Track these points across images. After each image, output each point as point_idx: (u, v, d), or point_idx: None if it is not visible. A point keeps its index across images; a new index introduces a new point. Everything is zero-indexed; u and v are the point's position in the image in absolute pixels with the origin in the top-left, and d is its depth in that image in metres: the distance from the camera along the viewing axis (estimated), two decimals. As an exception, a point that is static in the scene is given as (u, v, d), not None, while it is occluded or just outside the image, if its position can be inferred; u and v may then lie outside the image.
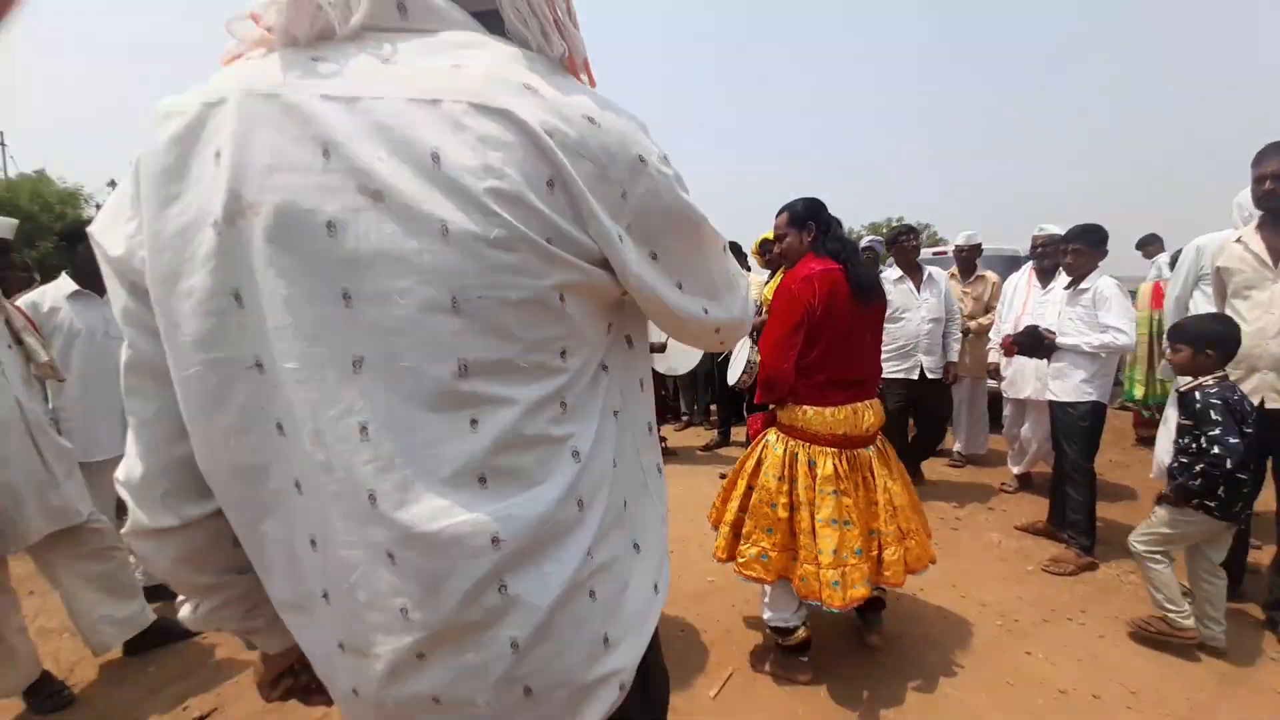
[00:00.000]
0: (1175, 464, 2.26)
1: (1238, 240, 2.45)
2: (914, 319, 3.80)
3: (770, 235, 2.60)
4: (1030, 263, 3.77)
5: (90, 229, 0.58)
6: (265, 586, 0.64)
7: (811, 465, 2.04)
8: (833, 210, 2.22)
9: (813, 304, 1.98)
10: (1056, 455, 3.24)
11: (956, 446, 4.72)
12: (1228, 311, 2.51)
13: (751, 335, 3.74)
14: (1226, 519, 2.15)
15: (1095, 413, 3.00)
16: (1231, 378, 2.41)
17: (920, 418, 4.04)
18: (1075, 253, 3.11)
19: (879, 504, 2.07)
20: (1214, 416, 2.12)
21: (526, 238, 0.51)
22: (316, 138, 0.50)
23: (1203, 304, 2.92)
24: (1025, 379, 3.63)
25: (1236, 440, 2.07)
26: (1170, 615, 2.26)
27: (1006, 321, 3.76)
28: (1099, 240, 3.11)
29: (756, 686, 2.18)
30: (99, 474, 2.56)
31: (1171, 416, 3.14)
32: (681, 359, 4.89)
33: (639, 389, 0.70)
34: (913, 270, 3.91)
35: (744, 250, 5.24)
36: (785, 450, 2.08)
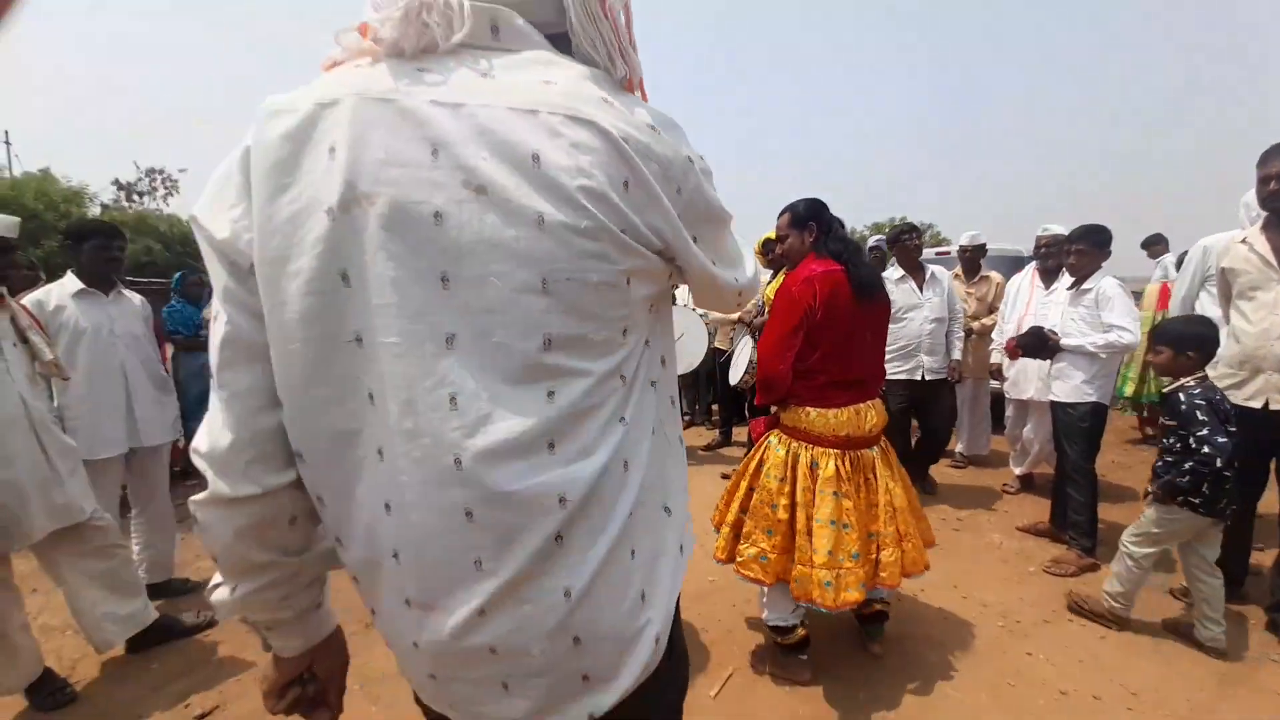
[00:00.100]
0: (1160, 462, 2.31)
1: (1243, 241, 2.44)
2: (916, 319, 3.76)
3: (773, 235, 2.60)
4: (1033, 263, 3.75)
5: (195, 213, 0.62)
6: (341, 549, 0.69)
7: (813, 466, 2.03)
8: (836, 210, 2.22)
9: (812, 305, 1.98)
10: (1058, 456, 3.24)
11: (959, 447, 4.71)
12: (1232, 313, 2.50)
13: (753, 335, 3.74)
14: (1211, 515, 2.20)
15: (1096, 413, 2.99)
16: (1236, 379, 2.41)
17: (923, 420, 3.98)
18: (1078, 253, 3.11)
19: (879, 505, 2.06)
20: (1200, 417, 2.17)
21: (607, 229, 0.59)
22: (427, 138, 0.56)
23: (1209, 304, 2.92)
24: (1028, 380, 3.62)
25: (1225, 440, 2.12)
26: (1116, 607, 2.42)
27: (1009, 322, 3.75)
28: (1103, 241, 3.11)
29: (757, 686, 2.18)
30: (103, 472, 2.57)
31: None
32: (683, 359, 4.89)
33: (665, 364, 0.77)
34: (915, 270, 3.86)
35: (746, 250, 5.24)
36: (787, 452, 2.08)
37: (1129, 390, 4.40)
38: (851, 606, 1.97)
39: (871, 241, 5.12)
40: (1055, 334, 3.09)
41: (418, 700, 0.82)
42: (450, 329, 0.58)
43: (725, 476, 2.40)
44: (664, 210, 0.63)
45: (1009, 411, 4.01)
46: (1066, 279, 3.28)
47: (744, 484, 2.16)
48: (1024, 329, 3.35)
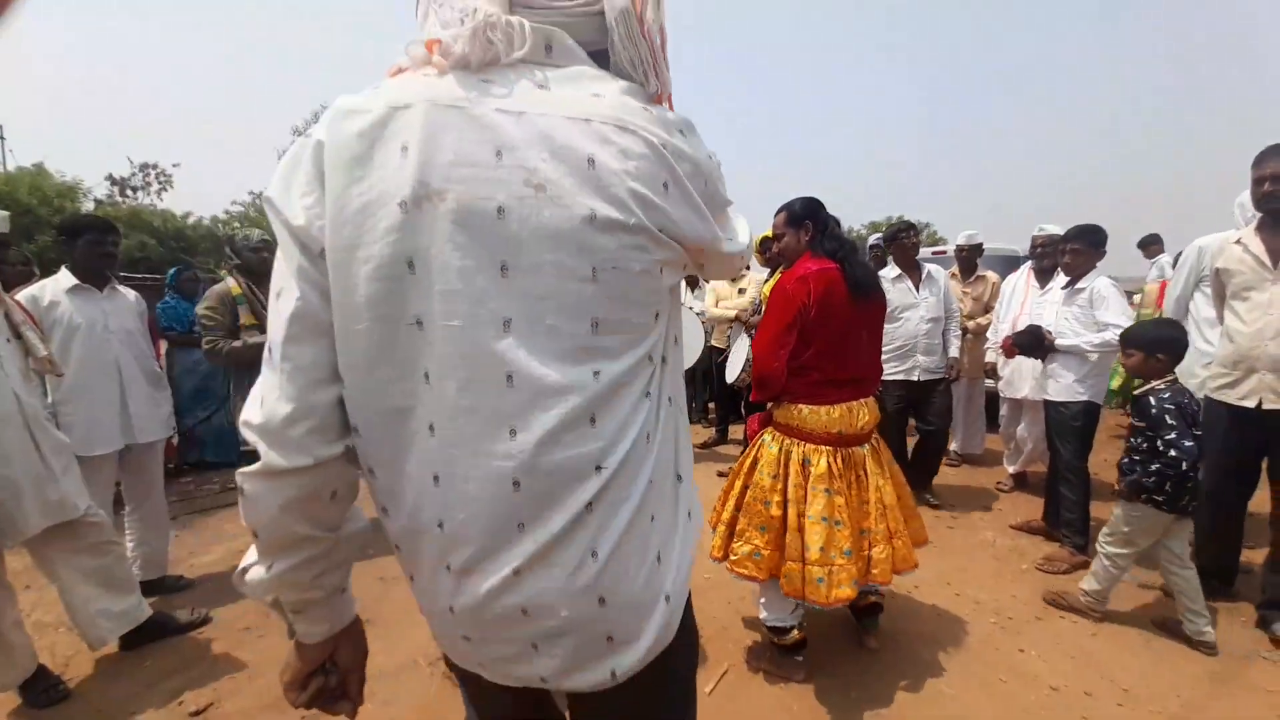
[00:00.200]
0: (1126, 459, 2.40)
1: (1237, 242, 2.46)
2: (912, 318, 3.69)
3: (769, 234, 2.60)
4: (1029, 263, 3.76)
5: (269, 195, 0.67)
6: (386, 518, 0.74)
7: (806, 463, 2.04)
8: (832, 209, 2.22)
9: (806, 303, 1.99)
10: (1051, 454, 3.26)
11: (953, 446, 4.72)
12: (1226, 313, 2.52)
13: (750, 334, 3.75)
14: (1174, 511, 2.29)
15: (1088, 412, 3.01)
16: (1229, 378, 2.43)
17: (920, 420, 3.86)
18: (1073, 252, 3.12)
19: (870, 502, 2.08)
20: (1169, 420, 2.24)
21: (647, 226, 0.66)
22: (492, 142, 0.63)
23: (1203, 305, 2.94)
24: (1022, 379, 3.64)
25: (1191, 444, 2.20)
26: (1091, 602, 2.50)
27: (1004, 321, 3.76)
28: (1098, 241, 3.12)
29: (751, 684, 2.19)
30: (97, 468, 2.56)
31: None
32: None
33: (676, 342, 0.84)
34: (911, 269, 3.78)
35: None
36: (780, 449, 2.09)
37: (1115, 384, 4.42)
38: (844, 603, 1.98)
39: (872, 240, 5.12)
40: (1051, 334, 3.11)
41: (446, 661, 0.84)
42: (508, 314, 0.64)
43: (721, 474, 2.40)
44: (695, 205, 0.71)
45: (1003, 410, 4.03)
46: (1061, 278, 3.29)
47: (739, 482, 2.17)
48: (1019, 328, 3.37)
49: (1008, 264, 4.97)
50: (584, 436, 0.67)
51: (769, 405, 2.20)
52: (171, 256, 15.49)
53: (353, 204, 0.63)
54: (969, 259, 4.49)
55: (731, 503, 2.16)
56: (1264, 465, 2.51)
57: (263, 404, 0.66)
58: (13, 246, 2.31)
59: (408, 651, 2.36)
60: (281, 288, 0.67)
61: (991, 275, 4.46)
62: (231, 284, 3.09)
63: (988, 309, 4.30)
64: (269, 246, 3.22)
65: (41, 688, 2.14)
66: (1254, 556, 2.78)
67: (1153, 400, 2.31)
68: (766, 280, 4.05)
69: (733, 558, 2.10)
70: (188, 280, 5.00)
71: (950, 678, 2.19)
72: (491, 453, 0.66)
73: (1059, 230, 3.45)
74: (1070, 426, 3.03)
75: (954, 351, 3.82)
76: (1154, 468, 2.25)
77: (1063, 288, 3.22)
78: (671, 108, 0.76)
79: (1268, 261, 2.33)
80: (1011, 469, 4.15)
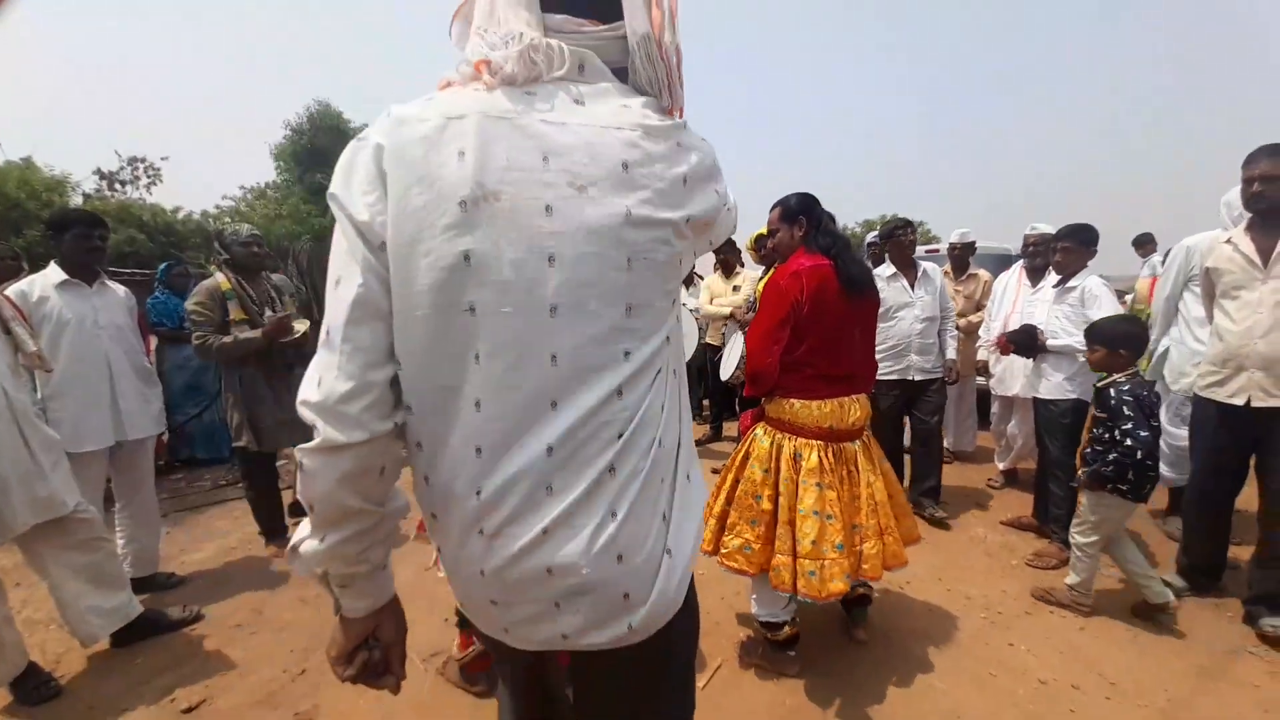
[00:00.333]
0: (1090, 451, 2.49)
1: (1227, 241, 2.47)
2: (907, 317, 3.59)
3: (765, 230, 2.60)
4: (1021, 261, 3.78)
5: (334, 192, 0.74)
6: (427, 487, 0.80)
7: (797, 458, 2.05)
8: (828, 206, 2.23)
9: (800, 299, 1.99)
10: (1040, 452, 3.28)
11: (946, 443, 4.74)
12: (1216, 312, 2.54)
13: (744, 331, 3.75)
14: (1139, 500, 2.40)
15: (1077, 410, 3.02)
16: (1218, 376, 2.45)
17: (914, 421, 3.74)
18: (1064, 250, 3.14)
19: (861, 498, 2.09)
20: (1127, 412, 2.33)
21: (673, 220, 0.77)
22: (539, 148, 0.72)
23: (1192, 304, 2.96)
24: (1014, 376, 3.65)
25: (1147, 433, 2.30)
26: (1077, 595, 2.56)
27: (996, 320, 3.77)
28: (1089, 239, 3.14)
29: (744, 679, 2.20)
30: (87, 465, 2.55)
31: (1162, 409, 3.19)
32: None
33: (679, 320, 0.90)
34: (907, 267, 3.68)
35: (738, 246, 5.23)
36: (772, 443, 2.10)
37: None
38: (837, 597, 1.99)
39: (869, 238, 5.12)
40: (1044, 333, 3.13)
41: (464, 623, 0.87)
42: (555, 300, 0.72)
43: (715, 471, 2.40)
44: (708, 194, 0.82)
45: (994, 408, 4.05)
46: (1053, 277, 3.31)
47: (730, 476, 2.18)
48: (1010, 326, 3.38)
49: (1000, 262, 4.99)
50: (612, 408, 0.75)
51: (761, 400, 2.20)
52: (161, 251, 15.32)
53: (414, 202, 0.70)
54: (961, 257, 4.51)
55: (722, 496, 2.17)
56: (1252, 463, 2.53)
57: (320, 383, 0.72)
58: (1, 241, 2.29)
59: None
60: (341, 275, 0.73)
61: (983, 273, 4.47)
62: (221, 279, 3.07)
63: (979, 307, 4.31)
64: (258, 241, 3.21)
65: (33, 685, 2.13)
66: (1241, 553, 2.81)
67: (1113, 392, 2.40)
68: (761, 277, 4.05)
69: (723, 551, 2.10)
70: (178, 275, 4.96)
71: (941, 672, 2.21)
72: (532, 425, 0.74)
73: (1051, 229, 3.47)
74: (1059, 424, 3.05)
75: (950, 354, 3.71)
76: (1111, 458, 2.35)
77: (1054, 286, 3.24)
78: (681, 116, 0.86)
79: (1258, 261, 2.35)
80: (1002, 466, 4.17)
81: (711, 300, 4.99)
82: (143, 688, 2.20)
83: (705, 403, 6.03)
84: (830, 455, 2.05)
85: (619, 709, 0.92)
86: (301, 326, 3.16)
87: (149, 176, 21.29)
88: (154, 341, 4.55)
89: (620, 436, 0.76)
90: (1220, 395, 2.45)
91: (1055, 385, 3.07)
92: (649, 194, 0.75)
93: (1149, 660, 2.26)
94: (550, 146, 0.72)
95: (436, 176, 0.70)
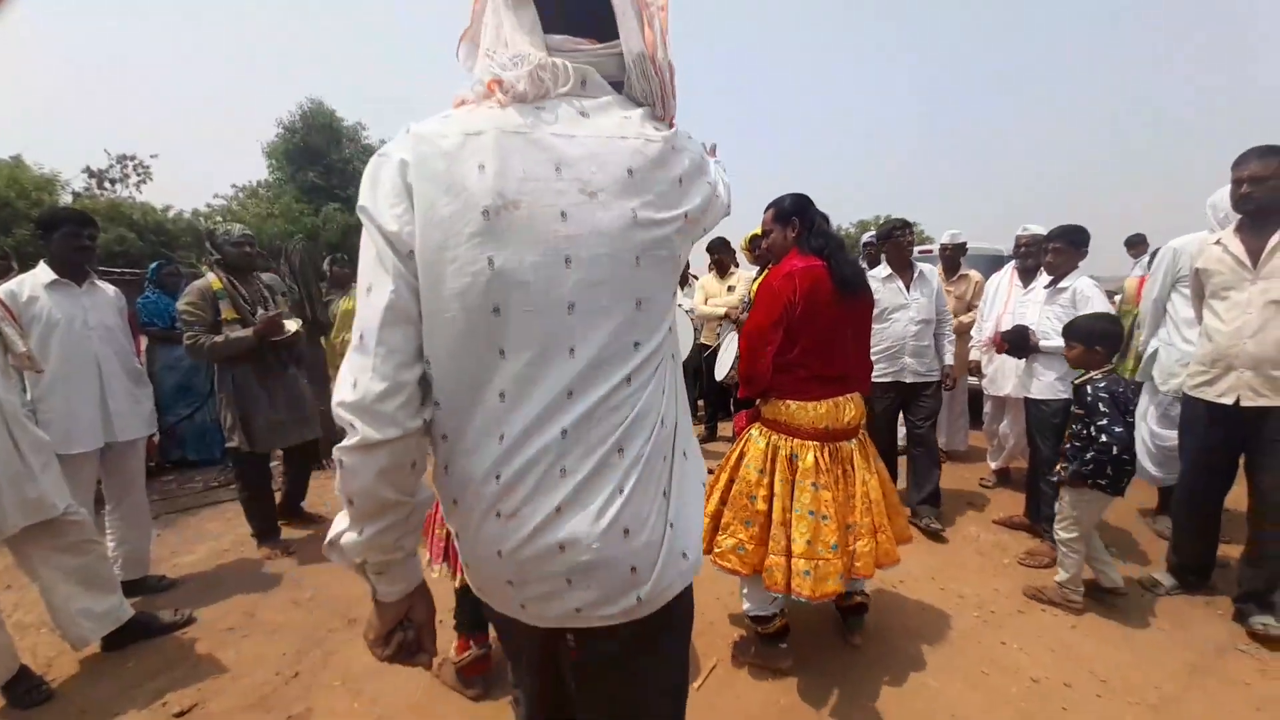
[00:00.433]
0: (1069, 446, 2.54)
1: (1217, 242, 2.49)
2: (901, 319, 3.52)
3: (759, 231, 2.60)
4: (1013, 262, 3.79)
5: (364, 205, 0.78)
6: (446, 475, 0.86)
7: (793, 458, 2.06)
8: (823, 207, 2.23)
9: (793, 300, 2.00)
10: (1031, 451, 3.30)
11: (939, 443, 4.76)
12: (1205, 312, 2.55)
13: (739, 330, 3.75)
14: (1117, 493, 2.45)
15: (1068, 410, 3.04)
16: (1208, 376, 2.48)
17: (909, 424, 3.68)
18: (1056, 251, 3.16)
19: (856, 496, 2.10)
20: (1102, 409, 2.39)
21: (675, 218, 0.85)
22: (552, 160, 0.78)
23: (1180, 305, 2.99)
24: (1005, 376, 3.65)
25: (1121, 429, 2.36)
26: (1068, 592, 2.60)
27: (988, 320, 3.77)
28: (1080, 240, 3.16)
29: (739, 678, 2.20)
30: (77, 466, 2.52)
31: (1151, 410, 3.22)
32: None
33: (676, 309, 0.98)
34: (904, 268, 3.59)
35: (733, 246, 5.24)
36: (767, 444, 2.10)
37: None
38: (831, 597, 2.00)
39: (865, 238, 5.11)
40: (1036, 334, 3.15)
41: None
42: (571, 298, 0.79)
43: (710, 472, 2.37)
44: (701, 187, 0.90)
45: (986, 408, 4.06)
46: (1044, 278, 3.33)
47: (725, 476, 2.18)
48: (1002, 327, 3.40)
49: (992, 263, 5.01)
50: (622, 394, 0.82)
51: (757, 401, 2.21)
52: (151, 250, 15.21)
53: (441, 212, 0.75)
54: (952, 258, 4.52)
55: (716, 496, 2.17)
56: (1241, 462, 2.56)
57: (356, 384, 0.76)
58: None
59: (395, 649, 2.36)
60: (372, 283, 0.78)
61: (974, 274, 4.48)
62: (213, 279, 3.05)
63: (970, 307, 4.33)
64: (250, 241, 3.19)
65: (24, 688, 2.11)
66: (1230, 551, 2.84)
67: (1089, 389, 2.45)
68: (756, 277, 4.05)
69: (717, 551, 2.11)
70: (169, 275, 4.93)
71: (934, 670, 2.22)
72: (551, 413, 0.80)
73: (1042, 230, 3.48)
74: (1050, 424, 3.07)
75: (948, 359, 3.63)
76: (1089, 456, 2.40)
77: (1045, 287, 3.26)
78: (673, 126, 0.93)
79: (1247, 261, 2.37)
80: (995, 465, 4.19)
81: (706, 300, 5.00)
82: (134, 691, 2.19)
83: (700, 403, 6.02)
84: (826, 455, 2.06)
85: (621, 688, 0.96)
86: (293, 325, 3.15)
87: (139, 175, 21.13)
88: (144, 342, 4.52)
89: (628, 420, 0.83)
90: (1209, 394, 2.47)
91: (1046, 385, 3.09)
92: (652, 196, 0.82)
93: (1140, 658, 2.28)
94: (561, 157, 0.79)
95: (461, 188, 0.76)
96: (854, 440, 2.15)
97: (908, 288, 3.55)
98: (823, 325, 2.03)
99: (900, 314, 3.53)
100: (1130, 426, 2.40)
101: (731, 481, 2.15)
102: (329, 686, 2.20)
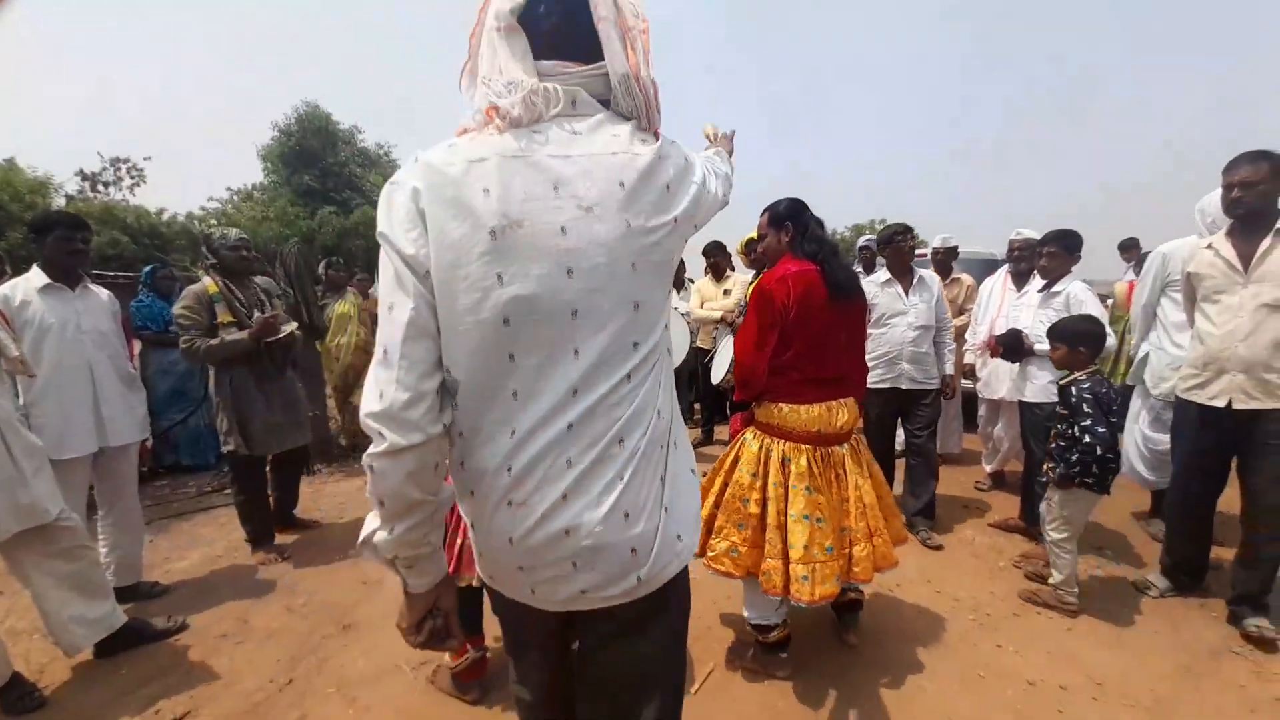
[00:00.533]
0: (1055, 445, 2.57)
1: (1208, 246, 2.51)
2: (899, 325, 3.40)
3: (755, 236, 2.60)
4: (1006, 266, 3.80)
5: (383, 231, 0.85)
6: (461, 470, 0.93)
7: (785, 462, 2.06)
8: (819, 212, 2.24)
9: (786, 304, 2.00)
10: (1025, 454, 3.31)
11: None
12: (1197, 316, 2.57)
13: (735, 334, 3.75)
14: (1103, 492, 2.49)
15: (1061, 413, 3.06)
16: (1199, 379, 2.49)
17: (908, 432, 3.58)
18: (1050, 255, 3.18)
19: (849, 500, 2.10)
20: (1086, 409, 2.43)
21: (665, 224, 0.92)
22: (549, 180, 0.85)
23: (1170, 310, 3.01)
24: (1000, 380, 3.67)
25: (1105, 430, 2.39)
26: (1062, 593, 2.61)
27: (982, 324, 3.78)
28: (1074, 245, 3.18)
29: (735, 682, 2.20)
30: (70, 472, 2.51)
31: (1143, 414, 3.24)
32: None
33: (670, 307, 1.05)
34: (903, 273, 3.48)
35: (729, 250, 5.24)
36: (760, 447, 2.11)
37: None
38: (828, 600, 2.00)
39: (861, 241, 5.12)
40: (1029, 337, 3.16)
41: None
42: (574, 305, 0.86)
43: (705, 475, 2.35)
44: (688, 188, 0.97)
45: (981, 411, 4.08)
46: (1038, 281, 3.35)
47: (719, 480, 2.18)
48: (995, 331, 3.41)
49: (985, 267, 5.03)
50: (622, 390, 0.89)
51: (751, 404, 2.21)
52: (145, 254, 15.15)
53: (452, 234, 0.82)
54: (944, 262, 4.53)
55: (710, 499, 2.17)
56: (1233, 464, 2.57)
57: (382, 395, 0.83)
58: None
59: (389, 655, 2.35)
60: (393, 302, 0.84)
61: (966, 278, 4.50)
62: (209, 283, 3.05)
63: (962, 311, 4.33)
64: (246, 245, 3.19)
65: (16, 695, 2.10)
66: (1224, 554, 2.85)
67: (1074, 390, 2.48)
68: (751, 281, 4.06)
69: (710, 554, 2.10)
70: (163, 278, 4.90)
71: (930, 673, 2.23)
72: (558, 409, 0.87)
73: (1036, 234, 3.50)
74: (1045, 427, 3.06)
75: (948, 367, 3.53)
76: (1074, 457, 2.44)
77: (1039, 291, 3.27)
78: (659, 137, 0.98)
79: (1238, 266, 2.39)
80: (989, 468, 4.20)
81: (702, 304, 5.00)
82: (127, 698, 2.17)
83: (696, 406, 6.02)
84: (819, 459, 2.07)
85: (621, 670, 1.03)
86: (289, 327, 3.14)
87: (132, 178, 21.05)
88: (137, 346, 4.49)
89: (627, 414, 0.89)
90: (1202, 397, 2.49)
91: (1041, 388, 3.11)
92: (643, 205, 0.89)
93: (1135, 661, 2.29)
94: (558, 177, 0.85)
95: (469, 211, 0.82)
96: (846, 445, 2.15)
97: (906, 293, 3.46)
98: (815, 329, 2.04)
99: (898, 320, 3.43)
100: (1113, 426, 2.43)
101: (725, 485, 2.15)
102: (323, 693, 2.19)
